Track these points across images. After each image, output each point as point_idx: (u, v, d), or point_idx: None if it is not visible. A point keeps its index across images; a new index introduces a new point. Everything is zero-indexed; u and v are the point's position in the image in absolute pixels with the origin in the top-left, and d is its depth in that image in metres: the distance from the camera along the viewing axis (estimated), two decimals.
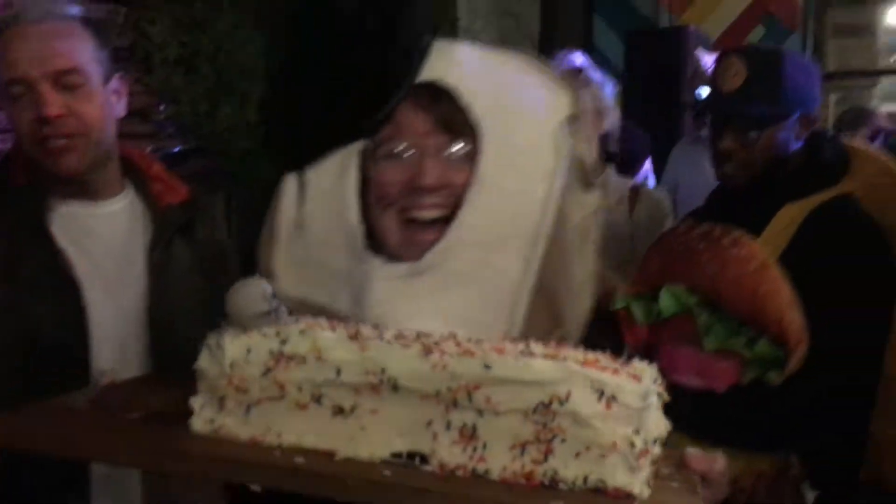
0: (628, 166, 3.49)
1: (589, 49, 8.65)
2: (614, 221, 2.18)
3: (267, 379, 0.80)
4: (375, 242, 0.99)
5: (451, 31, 7.13)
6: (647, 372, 0.79)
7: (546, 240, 0.95)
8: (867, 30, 9.65)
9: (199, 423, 0.84)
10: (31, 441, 0.84)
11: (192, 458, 0.80)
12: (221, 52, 5.99)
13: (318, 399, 0.80)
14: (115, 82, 1.57)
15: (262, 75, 6.32)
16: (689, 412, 0.96)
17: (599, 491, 0.76)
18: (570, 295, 0.97)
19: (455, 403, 0.78)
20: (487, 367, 0.77)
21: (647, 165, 3.97)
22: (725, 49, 1.90)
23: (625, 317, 1.76)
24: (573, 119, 1.01)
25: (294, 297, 0.97)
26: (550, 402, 0.76)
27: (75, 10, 1.53)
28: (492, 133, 0.97)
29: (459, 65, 1.01)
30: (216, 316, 1.47)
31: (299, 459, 0.77)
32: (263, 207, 1.05)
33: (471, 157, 0.96)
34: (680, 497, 0.78)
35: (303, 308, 0.95)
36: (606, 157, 2.33)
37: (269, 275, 0.99)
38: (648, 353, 1.68)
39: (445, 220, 0.96)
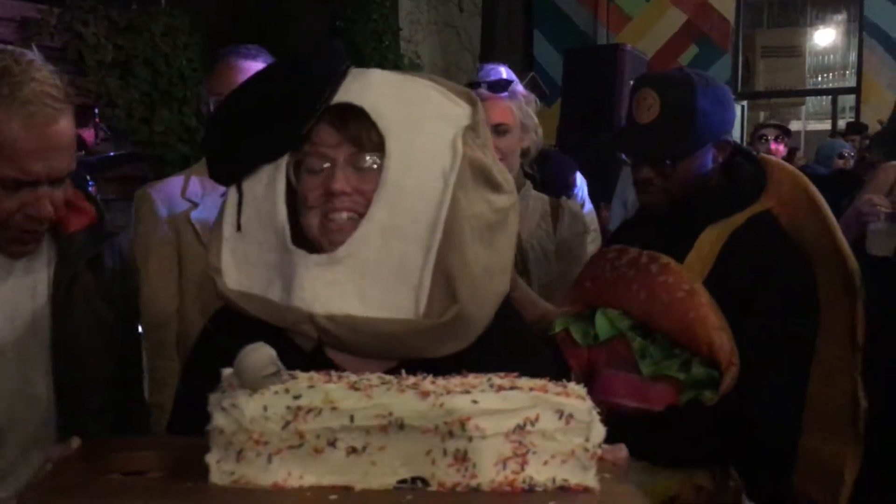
0: (556, 188, 3.57)
1: (529, 63, 8.79)
2: (539, 237, 2.21)
3: (287, 431, 0.91)
4: (301, 239, 1.16)
5: (393, 41, 7.18)
6: (583, 391, 0.98)
7: (442, 228, 1.11)
8: (795, 51, 10.04)
9: (218, 476, 0.92)
10: None
11: None
12: (159, 56, 5.90)
13: (333, 443, 0.91)
14: None
15: (199, 81, 6.24)
16: (627, 432, 1.08)
17: (565, 489, 0.94)
18: (467, 276, 1.11)
19: (451, 433, 0.93)
20: (475, 402, 0.93)
21: (579, 184, 4.06)
22: (639, 79, 1.95)
23: (565, 339, 1.81)
24: (472, 128, 1.19)
25: (236, 290, 1.16)
26: (525, 424, 0.93)
27: None
28: (396, 142, 1.14)
29: (370, 88, 1.18)
30: (119, 344, 1.41)
31: (332, 496, 0.90)
32: None
33: (380, 169, 1.14)
34: (619, 485, 0.99)
35: (244, 299, 1.15)
36: (525, 173, 2.35)
37: (215, 272, 1.17)
38: (589, 375, 1.76)
39: (359, 220, 1.14)
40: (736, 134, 9.51)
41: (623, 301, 1.74)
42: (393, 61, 6.89)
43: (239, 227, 1.18)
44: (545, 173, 3.59)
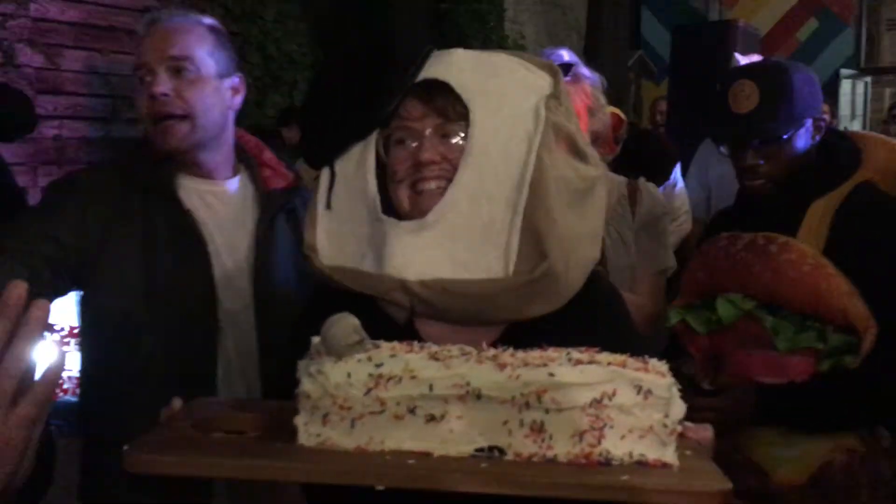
0: (657, 172, 3.49)
1: (636, 41, 8.60)
2: (616, 222, 2.18)
3: (369, 397, 0.96)
4: (391, 213, 1.21)
5: (497, 22, 7.17)
6: (665, 368, 0.98)
7: (528, 188, 1.14)
8: None
9: (305, 438, 0.98)
10: (167, 467, 0.97)
11: (323, 466, 0.95)
12: (269, 41, 6.11)
13: (412, 410, 0.96)
14: (234, 80, 1.83)
15: (308, 64, 6.42)
16: (773, 404, 1.06)
17: (643, 463, 0.95)
18: (554, 233, 1.14)
19: (527, 405, 0.95)
20: (552, 374, 0.95)
21: (676, 171, 3.97)
22: (731, 73, 2.06)
23: (683, 330, 1.88)
24: (554, 96, 1.22)
25: (331, 265, 1.22)
26: (601, 399, 0.95)
27: (204, 19, 1.85)
28: (480, 111, 1.19)
29: (453, 64, 1.24)
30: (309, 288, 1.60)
31: (410, 461, 0.94)
32: None
33: (466, 138, 1.18)
34: (699, 461, 0.98)
35: (338, 273, 1.20)
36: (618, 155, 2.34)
37: (311, 250, 1.24)
38: (715, 359, 1.79)
39: (446, 188, 1.18)
40: (859, 111, 9.04)
41: (744, 285, 1.77)
42: (497, 42, 6.89)
43: (329, 206, 1.24)
44: (644, 154, 3.53)
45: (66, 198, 1.70)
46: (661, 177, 3.54)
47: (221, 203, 1.82)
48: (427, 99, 1.21)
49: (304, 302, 1.38)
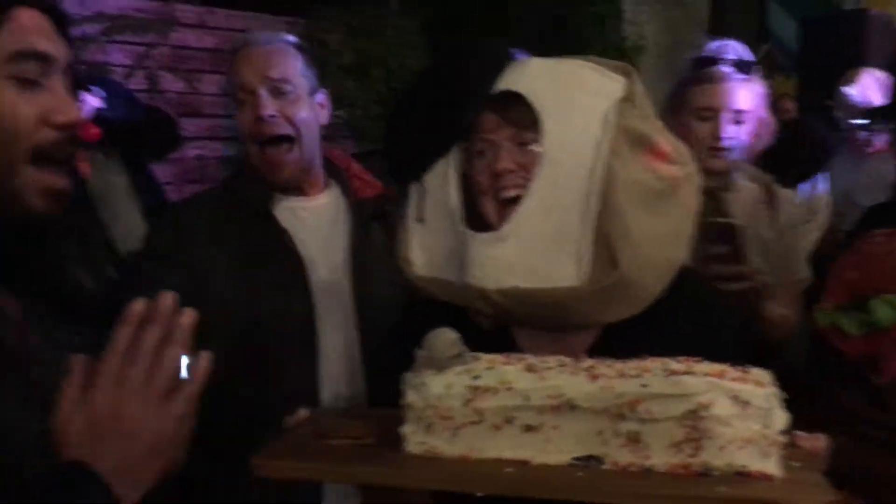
0: (811, 165, 3.32)
1: (762, 35, 8.28)
2: (755, 226, 2.12)
3: (468, 408, 1.01)
4: (476, 222, 1.25)
5: (615, 24, 7.09)
6: (766, 377, 0.97)
7: (597, 197, 1.16)
8: None
9: (413, 446, 1.04)
10: (295, 471, 1.06)
11: (431, 472, 1.01)
12: (391, 57, 6.29)
13: (510, 421, 1.00)
14: (319, 95, 1.92)
15: None
16: None
17: (743, 474, 0.95)
18: (626, 241, 1.15)
19: (621, 416, 0.97)
20: (645, 385, 0.97)
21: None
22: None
23: (834, 331, 1.78)
24: (627, 99, 1.23)
25: (424, 276, 1.28)
26: (697, 410, 0.95)
27: (290, 38, 1.92)
28: (551, 120, 1.21)
29: (526, 74, 1.27)
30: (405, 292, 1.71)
31: (509, 469, 0.98)
32: None
33: (539, 146, 1.21)
34: (806, 474, 0.96)
35: (429, 283, 1.27)
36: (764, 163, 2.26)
37: (405, 261, 1.31)
38: (871, 361, 1.73)
39: None
40: None
41: None
42: (615, 44, 6.81)
43: (421, 219, 1.31)
44: (796, 148, 3.34)
45: (168, 245, 1.82)
46: (814, 169, 3.37)
47: (315, 217, 1.90)
48: (502, 110, 1.25)
49: (401, 306, 1.46)
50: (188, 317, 0.94)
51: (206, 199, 1.96)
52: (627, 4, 7.09)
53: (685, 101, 2.08)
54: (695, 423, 0.95)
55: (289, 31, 6.24)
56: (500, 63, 1.29)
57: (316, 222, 1.90)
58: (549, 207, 1.19)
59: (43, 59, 1.00)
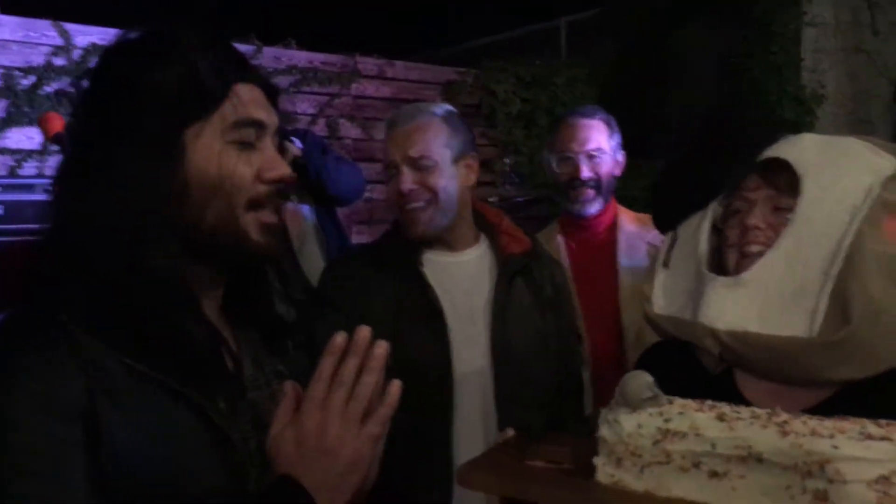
0: None
1: None
2: None
3: (656, 448, 1.06)
4: (717, 271, 1.33)
5: (794, 73, 6.86)
6: None
7: (844, 258, 1.19)
8: None
9: (603, 476, 1.10)
10: (492, 487, 1.16)
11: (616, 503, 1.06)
12: (558, 105, 6.39)
13: (697, 465, 1.04)
14: (468, 159, 2.07)
15: None
16: None
17: None
18: (863, 300, 1.16)
19: (809, 473, 0.98)
20: (835, 447, 0.97)
21: None
22: None
23: None
24: (894, 178, 1.25)
25: (660, 314, 1.38)
26: (890, 476, 0.95)
27: (438, 110, 2.07)
28: (812, 184, 1.28)
29: (795, 145, 1.34)
30: (555, 354, 1.77)
31: None
32: None
33: (793, 209, 1.27)
34: None
35: (664, 320, 1.36)
36: None
37: (646, 299, 1.41)
38: None
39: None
40: None
41: None
42: (793, 93, 6.58)
43: (667, 264, 1.42)
44: None
45: (328, 304, 2.00)
46: None
47: (462, 271, 2.06)
48: (765, 173, 1.34)
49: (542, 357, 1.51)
50: (382, 348, 1.05)
51: (360, 256, 2.15)
52: (807, 52, 6.84)
53: None
54: (886, 489, 0.95)
55: (461, 81, 6.49)
56: (774, 135, 1.38)
57: (462, 276, 2.05)
58: (793, 262, 1.24)
59: (258, 125, 1.18)
